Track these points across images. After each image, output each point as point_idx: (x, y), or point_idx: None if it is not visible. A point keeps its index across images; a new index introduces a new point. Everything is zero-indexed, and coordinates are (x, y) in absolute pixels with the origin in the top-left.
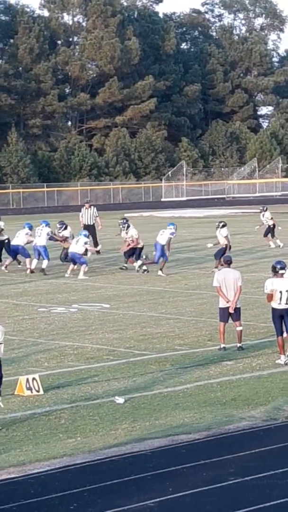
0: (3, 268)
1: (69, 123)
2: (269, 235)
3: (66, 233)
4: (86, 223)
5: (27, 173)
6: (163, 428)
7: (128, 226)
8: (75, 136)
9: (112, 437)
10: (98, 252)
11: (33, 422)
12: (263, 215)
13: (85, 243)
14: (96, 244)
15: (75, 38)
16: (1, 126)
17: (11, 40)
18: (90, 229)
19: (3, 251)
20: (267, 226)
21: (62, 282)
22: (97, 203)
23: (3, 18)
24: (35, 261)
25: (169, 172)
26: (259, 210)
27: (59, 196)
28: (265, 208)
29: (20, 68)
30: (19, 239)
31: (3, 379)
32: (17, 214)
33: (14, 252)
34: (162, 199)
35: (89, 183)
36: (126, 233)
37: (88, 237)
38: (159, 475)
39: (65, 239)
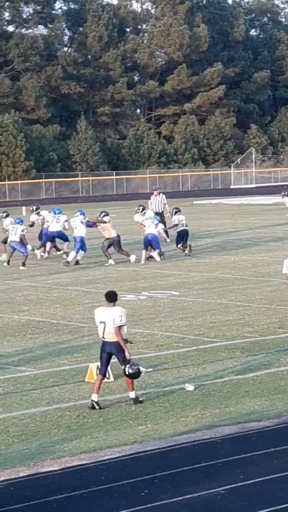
0: (45, 256)
1: (138, 110)
2: None
3: (106, 218)
4: (155, 210)
5: (96, 161)
6: (233, 415)
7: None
8: (144, 124)
9: (183, 424)
10: (165, 240)
11: (104, 409)
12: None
13: (162, 228)
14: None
15: (144, 26)
16: (71, 114)
17: (80, 29)
18: (159, 216)
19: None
20: None
21: (131, 270)
22: (166, 191)
23: (72, 6)
24: (72, 253)
25: (238, 159)
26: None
27: (128, 184)
28: (286, 192)
29: (89, 56)
30: (58, 225)
31: (74, 366)
32: (86, 202)
33: (53, 237)
34: (231, 186)
35: (158, 171)
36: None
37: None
38: (230, 462)
39: (103, 222)
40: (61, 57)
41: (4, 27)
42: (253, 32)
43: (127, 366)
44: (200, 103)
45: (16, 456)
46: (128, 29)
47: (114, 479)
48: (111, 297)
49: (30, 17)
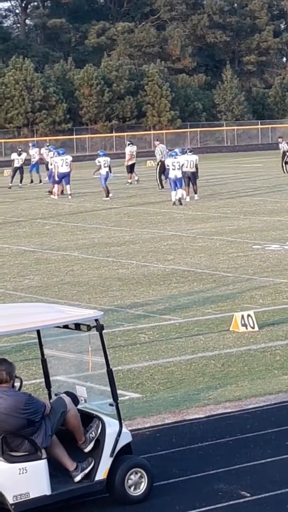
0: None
1: (284, 59)
2: None
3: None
4: None
5: (241, 110)
6: None
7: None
8: None
9: None
10: None
11: (248, 358)
12: None
13: None
14: None
15: None
16: (216, 63)
17: None
18: None
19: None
20: None
21: (276, 220)
22: None
23: None
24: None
25: None
26: None
27: (273, 133)
28: None
29: (235, 5)
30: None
31: (219, 315)
32: (231, 152)
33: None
34: None
35: None
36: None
37: None
38: None
39: None
40: (207, 6)
41: None
42: None
43: None
44: None
45: (161, 403)
46: None
47: (259, 428)
48: None
49: None
